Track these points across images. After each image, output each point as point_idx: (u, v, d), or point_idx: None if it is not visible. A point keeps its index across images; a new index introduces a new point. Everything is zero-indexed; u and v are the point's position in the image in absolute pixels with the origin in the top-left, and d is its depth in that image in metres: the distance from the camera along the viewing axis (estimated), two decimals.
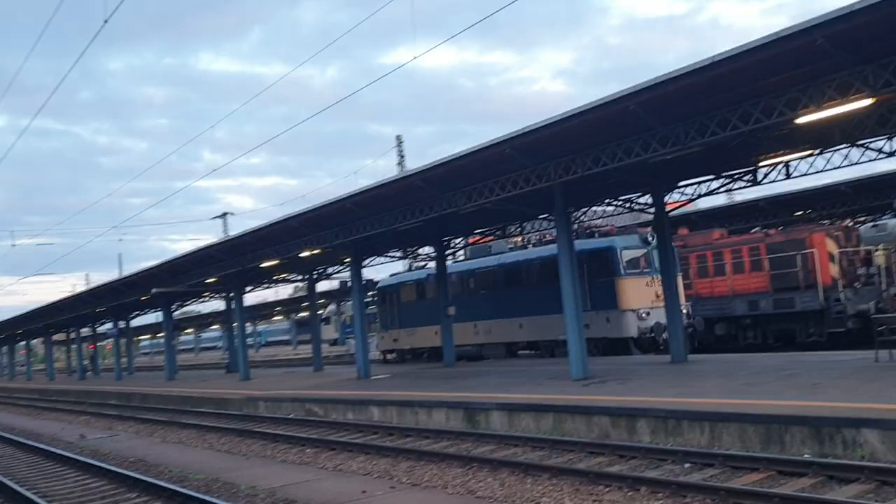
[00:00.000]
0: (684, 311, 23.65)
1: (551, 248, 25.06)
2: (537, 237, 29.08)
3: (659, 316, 22.39)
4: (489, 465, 11.11)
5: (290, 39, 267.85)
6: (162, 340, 64.69)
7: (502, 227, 25.37)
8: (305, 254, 25.14)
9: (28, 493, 11.57)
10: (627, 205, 20.73)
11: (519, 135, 14.86)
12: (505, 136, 15.13)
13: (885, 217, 29.65)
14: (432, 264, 29.53)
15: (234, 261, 28.50)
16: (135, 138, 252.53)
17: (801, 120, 12.36)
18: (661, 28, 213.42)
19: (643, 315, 23.38)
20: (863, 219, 30.86)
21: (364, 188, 20.02)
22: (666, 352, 21.55)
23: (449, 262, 31.43)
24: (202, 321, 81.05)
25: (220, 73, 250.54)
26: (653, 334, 23.08)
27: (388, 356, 34.21)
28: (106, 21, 13.64)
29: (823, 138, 15.30)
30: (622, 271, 23.63)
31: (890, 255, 24.38)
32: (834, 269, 23.69)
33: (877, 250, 24.85)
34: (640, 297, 23.54)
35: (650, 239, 23.64)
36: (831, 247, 23.86)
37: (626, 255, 23.82)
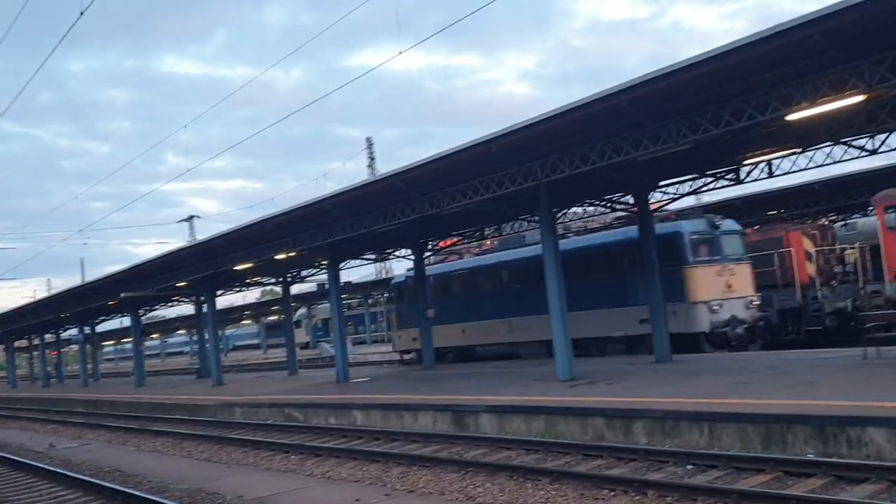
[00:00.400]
0: (756, 302, 22.31)
1: (598, 237, 24.11)
2: (581, 225, 26.60)
3: (732, 308, 20.99)
4: (485, 470, 10.80)
5: (254, 41, 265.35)
6: (127, 346, 63.50)
7: (480, 228, 25.10)
8: (281, 256, 24.66)
9: None
10: (610, 205, 20.59)
11: (506, 133, 14.58)
12: (492, 135, 14.84)
13: (856, 216, 29.97)
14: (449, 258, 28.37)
15: (205, 264, 27.90)
16: (97, 141, 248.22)
17: (793, 116, 12.25)
18: (625, 31, 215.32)
19: (715, 307, 21.16)
20: (834, 217, 31.17)
21: (343, 189, 19.66)
22: (738, 348, 20.62)
23: (477, 255, 30.16)
24: (169, 326, 79.77)
25: (184, 76, 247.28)
26: (727, 328, 21.08)
27: (406, 356, 31.78)
28: (82, 13, 13.14)
29: (809, 136, 15.26)
30: (690, 259, 21.39)
31: (864, 253, 24.57)
32: (811, 268, 23.81)
33: (851, 248, 25.05)
34: (711, 287, 21.32)
35: (718, 223, 22.19)
36: (808, 245, 23.99)
37: (694, 241, 21.59)
